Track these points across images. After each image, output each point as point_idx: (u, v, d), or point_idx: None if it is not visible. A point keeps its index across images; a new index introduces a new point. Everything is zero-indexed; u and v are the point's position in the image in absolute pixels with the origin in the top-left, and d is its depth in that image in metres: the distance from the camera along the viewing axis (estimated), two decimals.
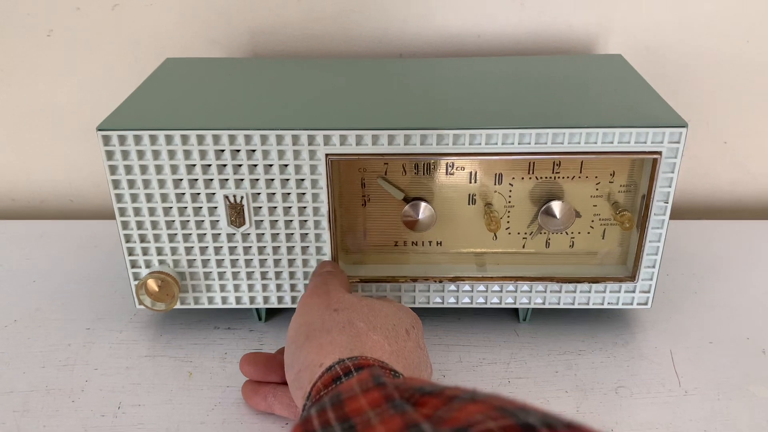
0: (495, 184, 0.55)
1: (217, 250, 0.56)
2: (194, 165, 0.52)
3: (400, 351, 0.44)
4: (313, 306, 0.47)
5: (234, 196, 0.53)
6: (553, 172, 0.54)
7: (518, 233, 0.57)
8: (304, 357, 0.43)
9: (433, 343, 0.58)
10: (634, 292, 0.57)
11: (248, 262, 0.56)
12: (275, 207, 0.54)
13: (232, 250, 0.55)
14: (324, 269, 0.54)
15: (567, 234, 0.57)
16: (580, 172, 0.54)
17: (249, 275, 0.57)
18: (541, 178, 0.55)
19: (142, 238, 0.55)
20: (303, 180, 0.52)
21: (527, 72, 0.61)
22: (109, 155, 0.52)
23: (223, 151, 0.51)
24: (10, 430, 0.50)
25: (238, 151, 0.51)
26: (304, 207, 0.54)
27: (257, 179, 0.52)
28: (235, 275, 0.57)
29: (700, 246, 0.71)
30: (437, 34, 0.72)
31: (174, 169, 0.52)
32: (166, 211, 0.54)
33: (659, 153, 0.51)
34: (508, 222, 0.57)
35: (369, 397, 0.31)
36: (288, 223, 0.54)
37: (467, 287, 0.58)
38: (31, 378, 0.55)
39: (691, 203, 0.81)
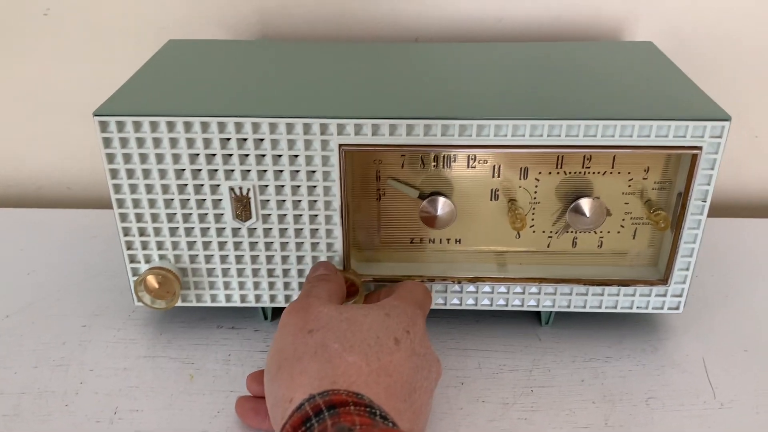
0: (520, 179, 0.51)
1: (222, 245, 0.52)
2: (198, 154, 0.48)
3: (384, 367, 0.40)
4: (289, 327, 0.43)
5: (240, 188, 0.49)
6: (583, 167, 0.51)
7: (543, 232, 0.54)
8: (276, 390, 0.40)
9: (449, 347, 0.54)
10: (665, 296, 0.53)
11: (254, 259, 0.53)
12: (284, 200, 0.50)
13: (237, 245, 0.52)
14: (315, 273, 0.50)
15: (595, 233, 0.53)
16: (612, 167, 0.50)
17: (255, 272, 0.53)
18: (569, 173, 0.51)
19: (142, 232, 0.52)
20: (314, 172, 0.49)
21: (553, 59, 0.57)
22: (107, 142, 0.48)
23: (228, 139, 0.48)
24: None
25: (245, 139, 0.48)
26: (315, 200, 0.50)
27: (265, 170, 0.49)
28: (240, 272, 0.53)
29: (730, 246, 0.68)
30: (456, 18, 0.68)
31: (176, 158, 0.48)
32: (168, 203, 0.50)
33: (699, 148, 0.47)
34: (532, 220, 0.53)
35: None
36: (297, 218, 0.51)
37: (487, 288, 0.54)
38: (23, 379, 0.51)
39: (718, 200, 0.77)
